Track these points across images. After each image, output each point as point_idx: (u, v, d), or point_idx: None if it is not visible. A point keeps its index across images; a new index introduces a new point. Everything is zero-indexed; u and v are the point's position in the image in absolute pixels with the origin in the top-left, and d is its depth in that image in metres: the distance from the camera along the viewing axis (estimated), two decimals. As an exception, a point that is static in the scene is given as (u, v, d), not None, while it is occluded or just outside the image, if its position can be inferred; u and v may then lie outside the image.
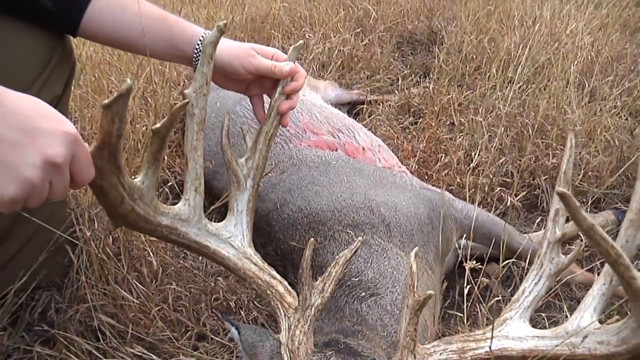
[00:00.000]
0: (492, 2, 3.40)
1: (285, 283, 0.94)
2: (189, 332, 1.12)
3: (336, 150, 1.47)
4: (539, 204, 1.72)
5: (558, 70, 2.32)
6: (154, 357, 1.03)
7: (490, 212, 1.60)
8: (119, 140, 0.74)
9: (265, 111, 1.09)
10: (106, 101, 0.69)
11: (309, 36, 2.78)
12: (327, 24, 2.90)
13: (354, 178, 1.33)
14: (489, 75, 2.25)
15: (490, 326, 0.85)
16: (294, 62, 1.07)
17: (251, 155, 1.02)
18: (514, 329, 0.85)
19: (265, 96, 1.15)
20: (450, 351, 0.84)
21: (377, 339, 0.97)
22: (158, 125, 0.79)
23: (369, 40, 2.85)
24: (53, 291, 1.15)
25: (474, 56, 2.53)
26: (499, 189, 1.66)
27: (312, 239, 0.92)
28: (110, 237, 1.16)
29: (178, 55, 1.07)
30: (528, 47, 2.45)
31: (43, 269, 1.10)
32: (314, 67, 2.54)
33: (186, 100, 0.88)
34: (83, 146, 0.70)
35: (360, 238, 0.97)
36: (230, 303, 1.23)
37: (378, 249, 1.16)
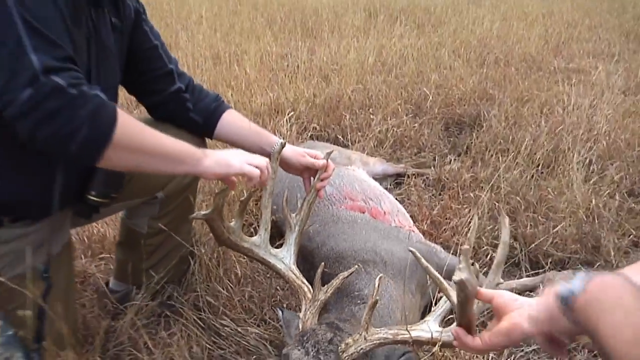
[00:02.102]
0: (536, 89, 4.08)
1: (310, 286, 1.69)
2: (255, 316, 1.89)
3: (364, 213, 2.23)
4: (517, 261, 2.37)
5: (568, 157, 2.97)
6: (233, 324, 1.82)
7: (478, 265, 2.28)
8: (222, 208, 1.53)
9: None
10: (217, 192, 1.49)
11: (372, 117, 3.57)
12: (389, 106, 3.68)
13: (370, 232, 2.07)
14: (504, 158, 2.93)
15: (419, 323, 1.55)
16: (327, 160, 1.82)
17: (299, 212, 1.79)
18: (428, 326, 1.54)
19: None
20: (389, 333, 1.52)
21: (358, 327, 1.68)
22: (243, 198, 1.58)
23: (422, 121, 3.60)
24: (175, 284, 1.97)
25: (501, 140, 3.21)
26: (486, 247, 2.34)
27: (322, 263, 1.67)
28: (215, 254, 1.97)
29: (263, 153, 1.85)
30: (545, 134, 3.13)
31: (172, 270, 1.93)
32: (372, 143, 3.30)
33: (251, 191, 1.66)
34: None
35: (355, 266, 1.72)
36: (284, 304, 1.99)
37: (375, 273, 1.88)
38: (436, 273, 1.37)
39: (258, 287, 2.01)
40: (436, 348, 1.48)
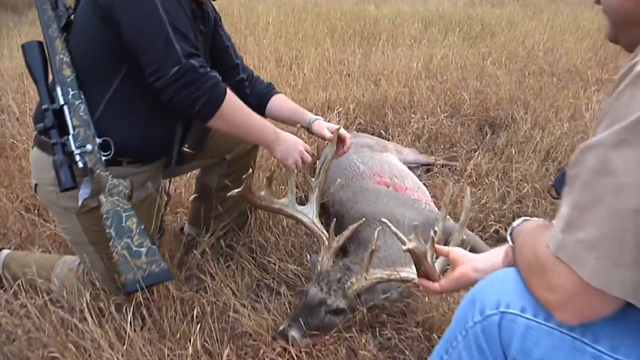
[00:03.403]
0: (572, 97, 4.49)
1: (328, 236, 2.23)
2: (295, 259, 2.45)
3: (388, 187, 2.76)
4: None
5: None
6: (278, 262, 2.39)
7: (483, 237, 2.77)
8: (250, 186, 2.06)
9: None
10: (245, 175, 2.05)
11: (412, 115, 4.09)
12: (427, 106, 4.19)
13: (390, 200, 2.60)
14: (521, 153, 3.40)
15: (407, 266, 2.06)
16: (335, 134, 2.27)
17: (317, 177, 2.33)
18: (412, 268, 2.04)
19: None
20: (384, 274, 2.02)
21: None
22: (269, 175, 2.15)
23: (456, 120, 4.10)
24: (236, 231, 2.56)
25: (524, 138, 3.67)
26: (492, 222, 2.82)
27: (334, 219, 2.22)
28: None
29: (300, 126, 2.38)
30: (565, 134, 3.57)
31: (234, 220, 2.51)
32: (410, 138, 3.82)
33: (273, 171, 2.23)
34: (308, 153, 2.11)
35: (362, 220, 2.26)
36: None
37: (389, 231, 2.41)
38: (403, 237, 1.80)
39: (299, 238, 2.58)
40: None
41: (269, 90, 2.44)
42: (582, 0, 10.29)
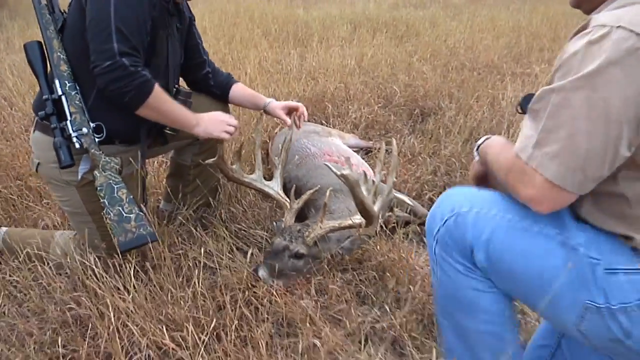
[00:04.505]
0: (490, 88, 5.13)
1: (289, 203, 2.70)
2: (262, 225, 2.90)
3: (337, 164, 3.25)
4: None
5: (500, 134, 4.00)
6: (247, 227, 2.82)
7: (420, 203, 3.30)
8: (222, 155, 2.50)
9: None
10: (218, 142, 2.51)
11: (350, 107, 4.61)
12: (362, 98, 4.73)
13: (340, 173, 3.09)
14: (449, 134, 3.97)
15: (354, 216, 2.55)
16: (291, 104, 2.84)
17: (279, 155, 2.81)
18: (357, 216, 2.54)
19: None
20: (336, 222, 2.52)
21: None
22: (236, 150, 2.61)
23: (389, 109, 4.65)
24: (208, 205, 2.97)
25: (450, 123, 4.26)
26: (426, 191, 3.36)
27: (294, 186, 2.70)
28: (235, 185, 2.99)
29: (258, 108, 2.86)
30: (486, 118, 4.17)
31: (206, 195, 2.93)
32: (349, 126, 4.34)
33: (241, 144, 2.68)
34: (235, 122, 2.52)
35: (317, 188, 2.74)
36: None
37: (340, 197, 2.89)
38: (335, 170, 2.30)
39: (263, 210, 3.03)
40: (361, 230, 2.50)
41: (229, 80, 2.88)
42: (498, 2, 11.21)
